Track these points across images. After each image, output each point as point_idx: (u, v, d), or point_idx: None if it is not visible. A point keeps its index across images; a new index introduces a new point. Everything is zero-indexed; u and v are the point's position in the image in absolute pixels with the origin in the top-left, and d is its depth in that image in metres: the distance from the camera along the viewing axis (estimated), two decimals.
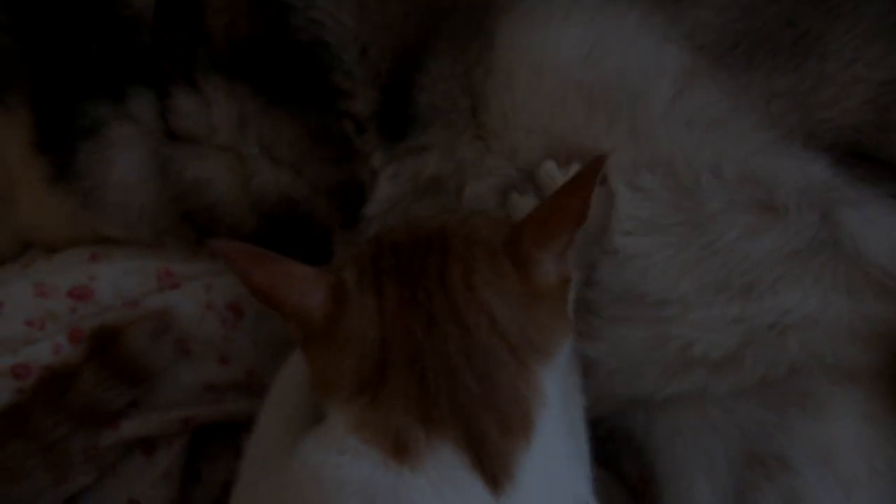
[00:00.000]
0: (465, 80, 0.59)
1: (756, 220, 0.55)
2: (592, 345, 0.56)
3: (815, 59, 0.54)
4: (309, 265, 0.49)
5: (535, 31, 0.57)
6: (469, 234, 0.49)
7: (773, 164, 0.55)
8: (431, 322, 0.46)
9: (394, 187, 0.60)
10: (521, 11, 0.57)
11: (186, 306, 0.67)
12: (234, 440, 0.68)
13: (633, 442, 0.62)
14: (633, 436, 0.61)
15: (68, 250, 0.72)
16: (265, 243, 0.67)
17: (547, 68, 0.56)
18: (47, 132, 0.68)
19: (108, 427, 0.64)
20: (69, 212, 0.70)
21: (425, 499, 0.44)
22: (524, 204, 0.55)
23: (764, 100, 0.55)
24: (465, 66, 0.59)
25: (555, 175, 0.55)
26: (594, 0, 0.57)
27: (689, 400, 0.57)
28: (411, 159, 0.60)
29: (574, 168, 0.54)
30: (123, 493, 0.66)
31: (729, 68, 0.55)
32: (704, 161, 0.55)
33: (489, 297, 0.46)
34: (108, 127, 0.67)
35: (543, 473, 0.45)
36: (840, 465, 0.55)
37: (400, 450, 0.44)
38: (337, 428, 0.46)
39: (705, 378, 0.56)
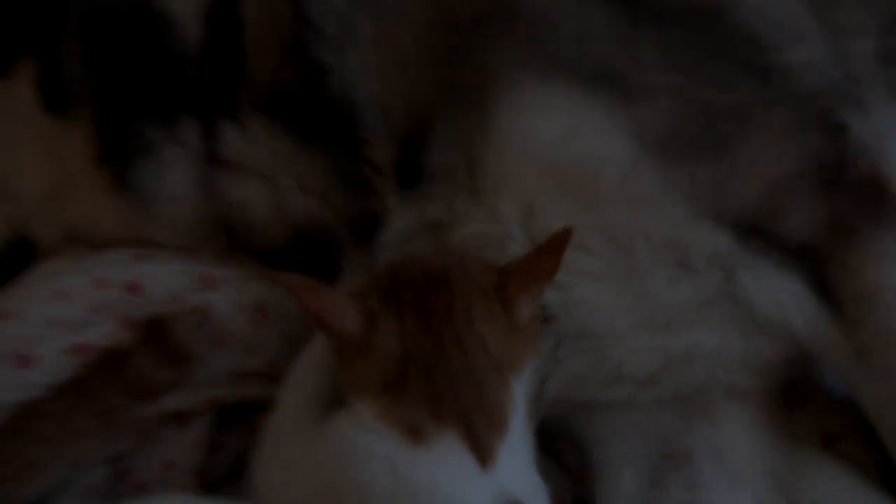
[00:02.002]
0: (465, 145, 0.68)
1: (676, 275, 0.66)
2: (550, 365, 0.68)
3: (728, 157, 0.66)
4: (342, 290, 0.62)
5: (523, 115, 0.67)
6: (468, 278, 0.61)
7: (690, 233, 0.66)
8: (440, 344, 0.58)
9: (403, 224, 0.70)
10: (513, 96, 0.67)
11: (221, 304, 0.77)
12: (251, 419, 0.78)
13: (576, 438, 0.75)
14: (576, 433, 0.75)
15: (115, 249, 0.81)
16: (289, 254, 0.80)
17: (530, 147, 0.66)
18: (108, 147, 0.78)
19: (152, 401, 0.74)
20: (121, 216, 0.80)
21: (434, 469, 0.56)
22: None
23: (687, 185, 0.66)
24: (465, 134, 0.68)
25: None
26: (570, 96, 0.67)
27: (620, 406, 0.70)
28: (418, 204, 0.70)
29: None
30: (160, 456, 0.75)
31: (664, 159, 0.66)
32: (639, 229, 0.66)
33: (482, 328, 0.59)
34: (160, 148, 0.77)
35: (513, 457, 0.58)
36: (730, 462, 0.69)
37: (415, 435, 0.56)
38: (364, 415, 0.58)
39: (632, 390, 0.69)
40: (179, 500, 0.68)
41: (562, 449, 0.76)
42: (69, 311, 0.77)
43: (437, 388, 0.57)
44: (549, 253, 0.60)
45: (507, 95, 0.67)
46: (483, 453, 0.56)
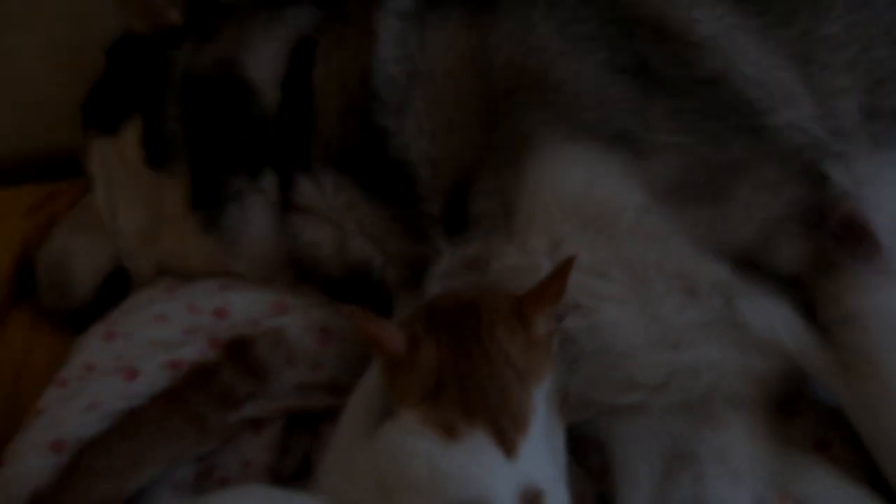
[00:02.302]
0: (501, 195, 0.77)
1: (683, 300, 0.75)
2: (574, 373, 0.78)
3: (726, 203, 0.75)
4: (392, 320, 0.72)
5: (552, 168, 0.76)
6: (491, 304, 0.70)
7: (696, 266, 0.74)
8: (470, 358, 0.68)
9: (448, 263, 0.79)
10: (543, 153, 0.77)
11: (292, 327, 0.88)
12: (315, 426, 0.89)
13: (597, 442, 0.83)
14: (598, 437, 0.83)
15: (202, 280, 0.94)
16: (341, 286, 0.90)
17: (557, 193, 0.76)
18: (200, 195, 0.91)
19: (235, 409, 0.84)
20: (209, 253, 0.92)
21: (466, 461, 0.65)
22: None
23: (692, 226, 0.74)
24: (502, 186, 0.77)
25: None
26: (592, 152, 0.76)
27: (635, 412, 0.79)
28: (461, 246, 0.79)
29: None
30: (239, 456, 0.85)
31: (672, 205, 0.75)
32: (652, 261, 0.75)
33: (505, 344, 0.68)
34: (244, 196, 0.89)
35: (533, 451, 0.66)
36: (731, 463, 0.78)
37: (451, 433, 0.65)
38: (408, 420, 0.67)
39: (644, 397, 0.78)
40: (256, 490, 0.77)
41: (585, 452, 0.84)
42: (167, 333, 0.89)
43: (468, 394, 0.67)
44: (557, 278, 0.69)
45: (537, 152, 0.77)
46: (507, 446, 0.65)
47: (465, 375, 0.68)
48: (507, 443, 0.66)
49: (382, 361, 0.71)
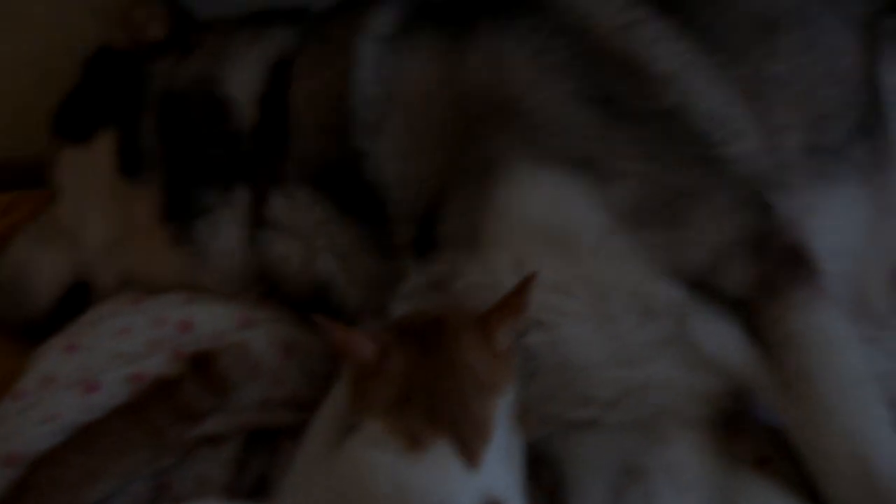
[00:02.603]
0: (468, 216, 0.79)
1: (640, 319, 0.77)
2: (531, 386, 0.80)
3: (681, 227, 0.78)
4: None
5: (518, 190, 0.79)
6: (457, 319, 0.73)
7: (651, 286, 0.77)
8: (436, 369, 0.70)
9: (413, 283, 0.81)
10: (511, 175, 0.79)
11: (257, 342, 0.89)
12: (274, 443, 0.88)
13: (551, 459, 0.84)
14: (551, 455, 0.84)
15: (168, 293, 0.93)
16: (305, 306, 0.89)
17: (522, 214, 0.78)
18: (172, 208, 0.91)
19: (195, 423, 0.84)
20: (178, 266, 0.92)
21: (429, 472, 0.66)
22: None
23: (649, 248, 0.77)
24: (469, 207, 0.79)
25: None
26: (557, 176, 0.79)
27: (588, 429, 0.81)
28: (426, 266, 0.81)
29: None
30: (196, 472, 0.85)
31: (631, 227, 0.77)
32: (612, 281, 0.77)
33: (469, 356, 0.70)
34: (216, 210, 0.90)
35: (495, 462, 0.68)
36: (680, 477, 0.80)
37: (414, 443, 0.67)
38: (372, 431, 0.68)
39: (597, 412, 0.80)
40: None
41: (538, 469, 0.83)
42: (130, 345, 0.89)
43: (433, 404, 0.68)
44: (519, 293, 0.72)
45: (505, 175, 0.80)
46: (469, 456, 0.67)
47: (430, 386, 0.69)
48: (470, 453, 0.67)
49: (350, 371, 0.73)
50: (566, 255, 0.79)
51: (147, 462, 0.83)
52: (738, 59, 0.87)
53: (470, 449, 0.68)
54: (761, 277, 0.80)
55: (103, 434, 0.82)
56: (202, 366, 0.86)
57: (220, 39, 0.95)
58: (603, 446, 0.83)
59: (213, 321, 0.91)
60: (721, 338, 0.80)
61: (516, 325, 0.73)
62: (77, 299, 0.99)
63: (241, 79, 0.91)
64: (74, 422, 0.83)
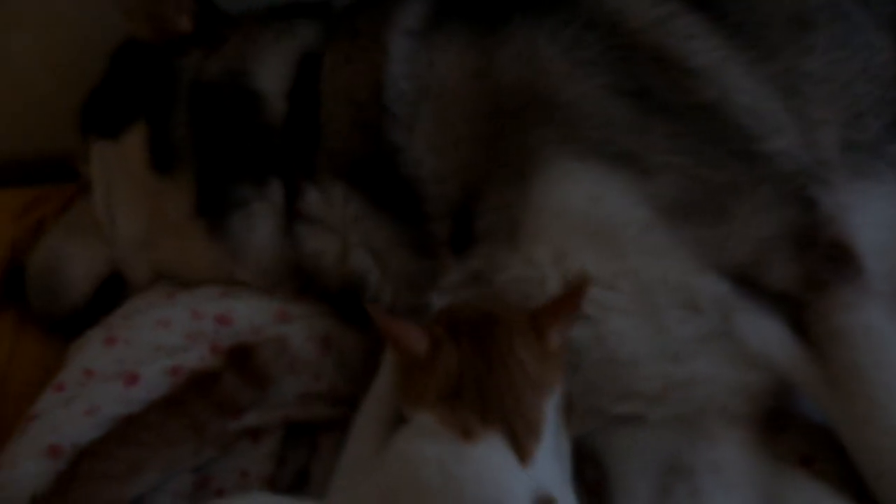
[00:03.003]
0: (507, 211, 0.79)
1: (685, 314, 0.77)
2: (575, 380, 0.80)
3: (725, 222, 0.77)
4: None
5: (558, 185, 0.78)
6: (509, 316, 0.73)
7: (696, 280, 0.77)
8: (489, 364, 0.70)
9: (452, 278, 0.81)
10: (550, 171, 0.79)
11: (295, 336, 0.89)
12: (314, 437, 0.89)
13: (594, 456, 0.83)
14: (595, 452, 0.83)
15: (203, 287, 0.93)
16: (340, 303, 0.90)
17: (563, 209, 0.78)
18: (206, 202, 0.90)
19: (235, 417, 0.83)
20: (213, 260, 0.92)
21: (480, 465, 0.66)
22: None
23: (692, 242, 0.77)
24: (507, 202, 0.79)
25: None
26: (597, 170, 0.79)
27: (633, 424, 0.81)
28: (466, 262, 0.81)
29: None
30: (237, 466, 0.84)
31: (673, 221, 0.77)
32: (657, 275, 0.77)
33: (522, 353, 0.70)
34: (251, 204, 0.89)
35: (546, 460, 0.68)
36: (725, 475, 0.80)
37: (466, 435, 0.66)
38: (423, 424, 0.68)
39: (641, 407, 0.80)
40: (262, 498, 0.78)
41: (582, 467, 0.82)
42: (169, 338, 0.88)
43: (485, 398, 0.68)
44: (574, 295, 0.72)
45: (544, 170, 0.80)
46: (522, 451, 0.66)
47: (483, 380, 0.69)
48: (522, 448, 0.67)
49: (400, 363, 0.72)
50: (608, 249, 0.78)
51: (189, 455, 0.83)
52: (772, 56, 0.87)
53: (522, 444, 0.67)
54: (806, 273, 0.80)
55: (145, 427, 0.82)
56: (242, 359, 0.85)
57: (248, 33, 0.94)
58: (648, 443, 0.82)
59: (251, 315, 0.91)
60: (766, 333, 0.79)
61: (568, 326, 0.73)
62: (111, 292, 0.98)
63: (270, 73, 0.91)
64: (115, 414, 0.83)
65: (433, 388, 0.69)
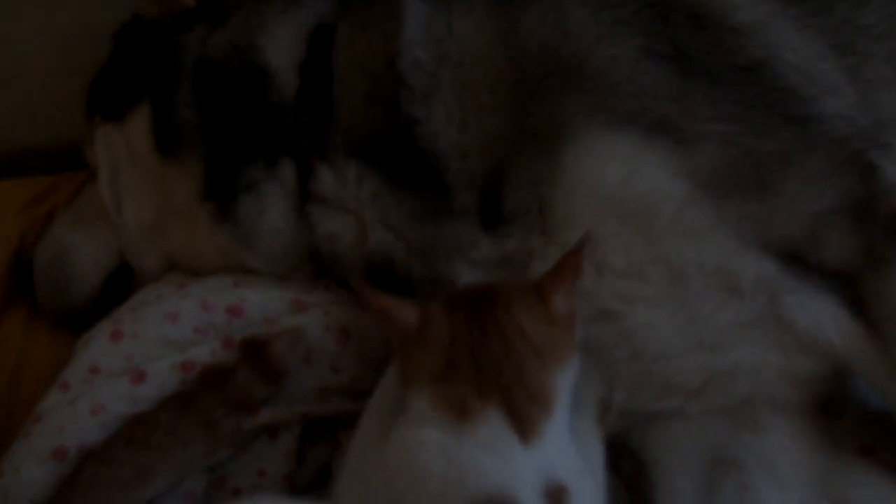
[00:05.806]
0: (535, 187, 0.75)
1: (724, 299, 0.72)
2: (609, 381, 0.75)
3: (772, 195, 0.72)
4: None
5: (589, 160, 0.74)
6: (509, 285, 0.69)
7: (739, 261, 0.72)
8: (484, 333, 0.65)
9: (486, 254, 0.77)
10: (580, 144, 0.74)
11: (311, 326, 0.84)
12: (334, 433, 0.85)
13: (632, 449, 0.80)
14: (633, 444, 0.80)
15: (214, 276, 0.89)
16: (371, 284, 0.85)
17: (595, 187, 0.73)
18: (214, 185, 0.86)
19: (250, 413, 0.80)
20: (223, 246, 0.87)
21: (481, 448, 0.61)
22: None
23: (736, 218, 0.72)
24: (536, 178, 0.75)
25: None
26: (631, 142, 0.74)
27: (673, 417, 0.76)
28: (496, 242, 0.77)
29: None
30: (254, 465, 0.82)
31: (715, 196, 0.72)
32: (692, 258, 0.72)
33: (522, 319, 0.66)
34: (261, 185, 0.84)
35: (559, 441, 0.63)
36: (777, 468, 0.75)
37: (463, 414, 0.62)
38: (418, 407, 0.64)
39: (682, 402, 0.76)
40: (271, 501, 0.74)
41: (617, 457, 0.79)
42: (178, 332, 0.84)
43: (482, 371, 0.64)
44: (575, 254, 0.68)
45: (574, 143, 0.75)
46: (524, 427, 0.62)
47: (479, 352, 0.65)
48: (524, 424, 0.62)
49: (397, 342, 0.69)
50: (643, 231, 0.74)
51: (202, 456, 0.80)
52: (825, 10, 0.80)
53: (524, 418, 0.62)
54: (865, 248, 0.73)
55: (153, 428, 0.78)
56: (255, 353, 0.82)
57: (254, 5, 0.89)
58: (689, 435, 0.78)
59: (265, 305, 0.87)
60: (818, 315, 0.74)
61: (572, 289, 0.68)
62: (121, 283, 0.95)
63: (280, 46, 0.86)
64: (122, 414, 0.80)
65: (425, 365, 0.66)
